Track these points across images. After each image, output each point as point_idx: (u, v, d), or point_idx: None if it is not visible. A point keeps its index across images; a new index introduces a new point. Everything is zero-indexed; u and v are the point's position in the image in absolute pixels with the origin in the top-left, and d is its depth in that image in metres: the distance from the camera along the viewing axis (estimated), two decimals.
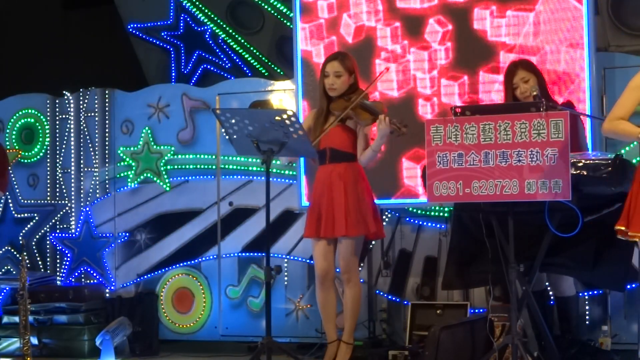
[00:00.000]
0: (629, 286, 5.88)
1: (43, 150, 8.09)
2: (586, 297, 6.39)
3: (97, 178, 7.87)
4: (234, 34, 8.55)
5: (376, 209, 5.99)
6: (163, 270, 7.67)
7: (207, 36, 8.63)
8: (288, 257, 7.25)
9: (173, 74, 8.72)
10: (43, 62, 9.62)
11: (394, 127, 5.68)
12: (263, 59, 8.48)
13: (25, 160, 8.14)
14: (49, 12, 9.86)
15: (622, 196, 5.02)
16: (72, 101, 8.00)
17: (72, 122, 7.98)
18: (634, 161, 5.97)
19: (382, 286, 6.99)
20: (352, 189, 5.85)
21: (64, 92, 8.05)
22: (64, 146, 8.03)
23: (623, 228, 4.59)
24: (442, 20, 6.60)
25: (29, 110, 8.14)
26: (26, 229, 8.09)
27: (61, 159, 8.03)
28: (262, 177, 6.20)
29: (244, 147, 5.65)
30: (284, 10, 8.15)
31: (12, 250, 8.09)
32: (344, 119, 5.92)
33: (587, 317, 6.40)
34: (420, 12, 6.66)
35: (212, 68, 8.67)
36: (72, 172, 7.96)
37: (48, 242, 8.03)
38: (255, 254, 7.36)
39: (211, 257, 7.53)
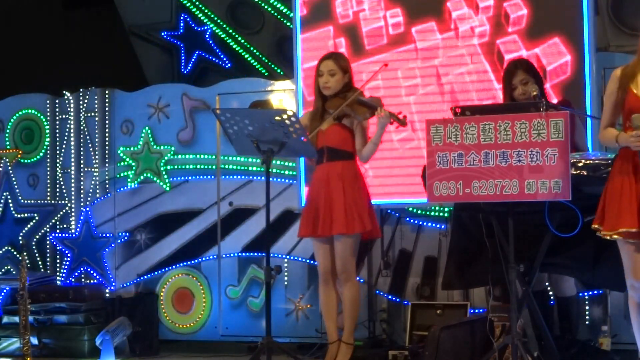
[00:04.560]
0: None
1: (43, 150, 8.08)
2: (586, 297, 6.39)
3: (97, 178, 7.87)
4: (234, 34, 8.55)
5: (372, 207, 5.99)
6: (163, 270, 7.66)
7: (207, 36, 8.63)
8: (288, 257, 7.24)
9: (173, 74, 8.72)
10: (43, 62, 9.60)
11: (394, 118, 5.71)
12: (263, 59, 8.47)
13: (25, 160, 8.14)
14: (49, 12, 9.84)
15: None
16: (72, 101, 7.99)
17: (72, 122, 7.97)
18: None
19: (382, 286, 6.98)
20: (350, 188, 5.85)
21: (64, 92, 8.04)
22: (64, 146, 8.02)
23: (597, 226, 4.66)
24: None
25: (29, 110, 8.14)
26: (26, 229, 8.09)
27: (61, 159, 8.02)
28: (262, 177, 6.21)
29: (244, 147, 5.65)
30: (284, 10, 8.15)
31: (12, 250, 8.09)
32: (341, 117, 5.92)
33: (587, 317, 6.39)
34: None
35: (212, 68, 8.67)
36: (72, 172, 7.95)
37: (48, 242, 8.02)
38: (255, 254, 7.36)
39: (211, 257, 7.53)
